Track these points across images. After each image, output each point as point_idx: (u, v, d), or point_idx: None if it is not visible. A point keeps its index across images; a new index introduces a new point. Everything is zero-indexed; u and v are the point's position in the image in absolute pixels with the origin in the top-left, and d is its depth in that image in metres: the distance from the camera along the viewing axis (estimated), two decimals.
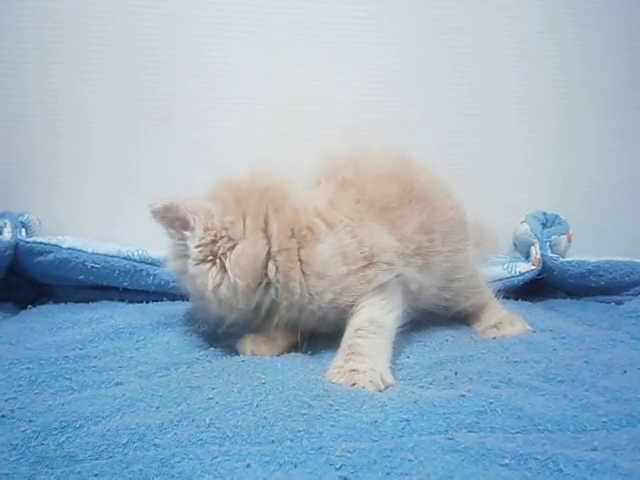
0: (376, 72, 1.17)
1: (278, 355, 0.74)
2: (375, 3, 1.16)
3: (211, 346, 0.76)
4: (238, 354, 0.74)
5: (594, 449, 0.48)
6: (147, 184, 1.11)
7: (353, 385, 0.62)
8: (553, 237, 1.12)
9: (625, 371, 0.65)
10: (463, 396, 0.58)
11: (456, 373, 0.65)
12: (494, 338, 0.81)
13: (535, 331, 0.81)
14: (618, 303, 0.99)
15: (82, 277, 0.99)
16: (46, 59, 1.10)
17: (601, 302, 1.03)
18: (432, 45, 1.18)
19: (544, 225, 1.14)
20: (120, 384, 0.64)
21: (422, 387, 0.63)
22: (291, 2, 1.13)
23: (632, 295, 1.00)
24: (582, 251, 1.12)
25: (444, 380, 0.64)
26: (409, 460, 0.47)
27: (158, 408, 0.57)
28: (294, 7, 1.13)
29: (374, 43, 1.16)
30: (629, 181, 1.25)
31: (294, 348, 0.76)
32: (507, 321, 0.83)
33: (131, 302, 0.99)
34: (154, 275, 0.99)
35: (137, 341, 0.78)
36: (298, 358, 0.73)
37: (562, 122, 1.22)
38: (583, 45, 1.21)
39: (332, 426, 0.53)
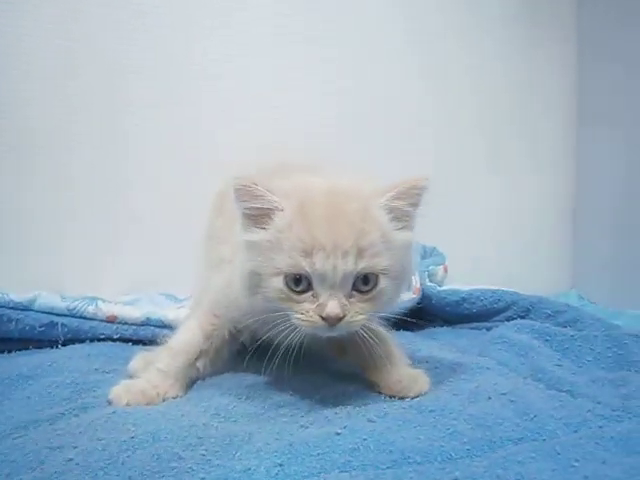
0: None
1: (157, 404, 0.70)
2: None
3: (80, 398, 0.70)
4: (111, 405, 0.69)
5: (455, 479, 0.51)
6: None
7: None
8: (431, 267, 1.21)
9: (489, 397, 0.69)
10: (338, 434, 0.58)
11: (336, 411, 0.66)
12: None
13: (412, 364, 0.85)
14: (488, 329, 1.06)
15: None
16: None
17: (474, 329, 1.11)
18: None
19: (422, 257, 1.21)
20: None
21: (302, 426, 0.63)
22: None
23: (499, 321, 1.08)
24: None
25: (324, 419, 0.64)
26: None
27: (8, 476, 0.52)
28: None
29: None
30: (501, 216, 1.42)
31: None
32: None
33: None
34: (17, 320, 0.90)
35: None
36: (176, 402, 0.70)
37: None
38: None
39: (202, 479, 0.51)
